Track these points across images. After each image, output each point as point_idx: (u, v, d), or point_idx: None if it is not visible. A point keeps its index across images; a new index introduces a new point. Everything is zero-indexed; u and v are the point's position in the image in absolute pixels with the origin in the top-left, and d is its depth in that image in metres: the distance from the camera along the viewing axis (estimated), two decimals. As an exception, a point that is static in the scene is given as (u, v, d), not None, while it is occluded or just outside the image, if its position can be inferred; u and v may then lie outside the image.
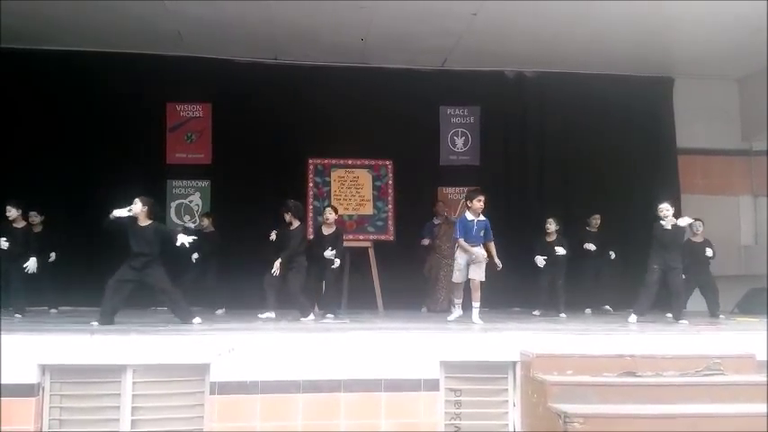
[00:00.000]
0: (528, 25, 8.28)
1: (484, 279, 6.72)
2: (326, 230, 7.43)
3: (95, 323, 5.73)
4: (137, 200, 6.09)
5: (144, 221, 6.12)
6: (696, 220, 8.23)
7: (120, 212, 5.94)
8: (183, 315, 6.14)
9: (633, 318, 6.96)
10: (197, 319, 6.11)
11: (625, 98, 9.83)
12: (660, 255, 7.05)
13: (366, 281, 8.72)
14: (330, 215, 7.45)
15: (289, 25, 8.33)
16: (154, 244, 6.08)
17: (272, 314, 6.93)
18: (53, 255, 7.79)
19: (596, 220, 8.81)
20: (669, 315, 7.24)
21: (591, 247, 8.55)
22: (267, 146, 9.26)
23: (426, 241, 8.85)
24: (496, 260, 6.74)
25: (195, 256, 7.82)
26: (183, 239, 6.15)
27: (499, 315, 7.69)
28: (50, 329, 5.40)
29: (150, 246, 6.06)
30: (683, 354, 4.95)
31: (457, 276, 6.82)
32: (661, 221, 7.06)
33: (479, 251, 6.71)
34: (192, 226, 8.85)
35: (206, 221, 8.41)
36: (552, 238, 8.17)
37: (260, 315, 6.89)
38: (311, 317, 6.86)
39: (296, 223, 7.21)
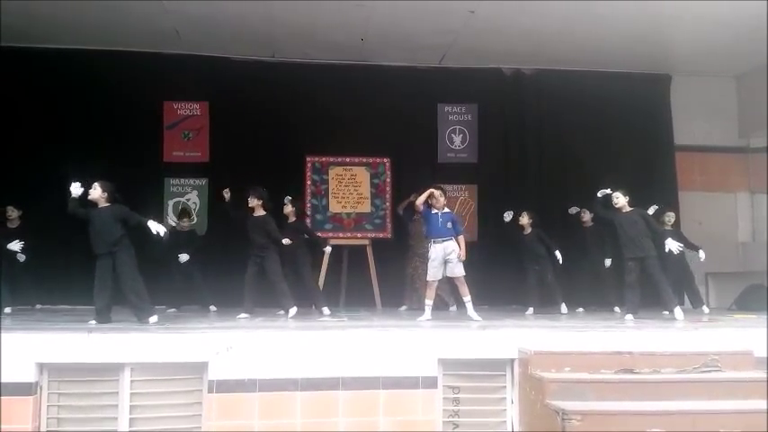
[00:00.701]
0: (526, 23, 8.27)
1: (464, 273, 6.71)
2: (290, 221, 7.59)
3: (93, 322, 5.72)
4: (95, 184, 5.99)
5: (102, 203, 6.02)
6: (668, 211, 8.18)
7: (77, 189, 5.89)
8: (143, 313, 5.90)
9: (629, 316, 6.92)
10: (153, 318, 5.88)
11: (623, 95, 9.82)
12: (630, 248, 6.93)
13: (364, 279, 8.72)
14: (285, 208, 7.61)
15: (287, 23, 8.31)
16: (113, 227, 5.89)
17: (247, 315, 6.86)
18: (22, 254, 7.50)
19: (586, 215, 8.57)
20: (666, 312, 7.24)
21: (573, 210, 8.50)
22: (265, 144, 9.24)
23: (400, 210, 8.74)
24: (462, 251, 6.70)
25: (185, 258, 7.82)
26: (155, 227, 5.89)
27: (497, 312, 7.69)
28: (48, 328, 5.39)
29: (109, 229, 5.87)
30: (680, 350, 4.96)
31: (432, 274, 6.71)
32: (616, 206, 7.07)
33: (452, 244, 6.70)
34: (173, 223, 8.68)
35: (184, 220, 8.33)
36: (527, 231, 8.11)
37: (238, 316, 6.83)
38: (293, 312, 6.85)
39: (261, 212, 7.17)
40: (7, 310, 7.12)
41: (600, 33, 8.55)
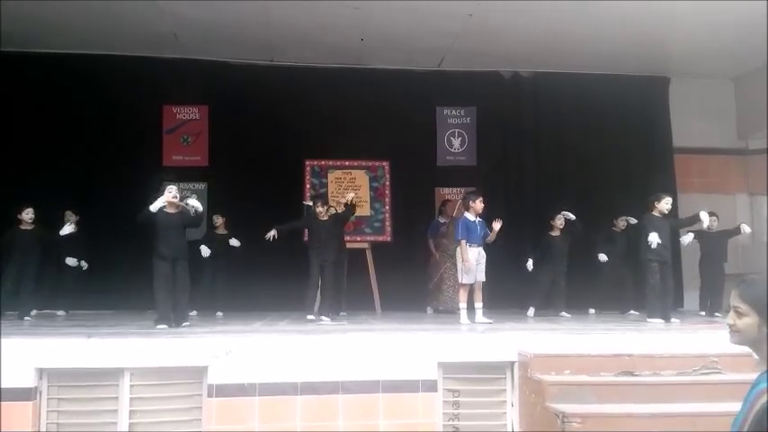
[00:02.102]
0: (524, 25, 8.29)
1: (484, 279, 6.87)
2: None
3: (164, 326, 5.77)
4: (173, 187, 6.15)
5: (172, 209, 6.12)
6: (711, 214, 8.19)
7: (159, 203, 5.97)
8: (181, 317, 6.05)
9: (658, 320, 6.84)
10: (162, 325, 5.87)
11: (621, 98, 9.83)
12: (660, 251, 6.98)
13: (364, 282, 8.71)
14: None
15: (284, 27, 8.32)
16: (184, 232, 6.16)
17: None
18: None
19: (623, 222, 8.62)
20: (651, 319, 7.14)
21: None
22: (264, 148, 9.24)
23: (431, 243, 8.73)
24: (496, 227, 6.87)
25: (207, 252, 7.79)
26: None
27: (496, 315, 7.67)
28: (48, 333, 5.39)
29: (182, 233, 6.12)
30: (680, 353, 4.95)
31: (468, 278, 6.78)
32: (655, 213, 7.12)
33: (482, 250, 6.85)
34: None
35: (219, 221, 8.31)
36: (557, 233, 8.09)
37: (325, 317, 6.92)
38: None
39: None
40: (27, 318, 7.12)
41: (598, 36, 8.56)
